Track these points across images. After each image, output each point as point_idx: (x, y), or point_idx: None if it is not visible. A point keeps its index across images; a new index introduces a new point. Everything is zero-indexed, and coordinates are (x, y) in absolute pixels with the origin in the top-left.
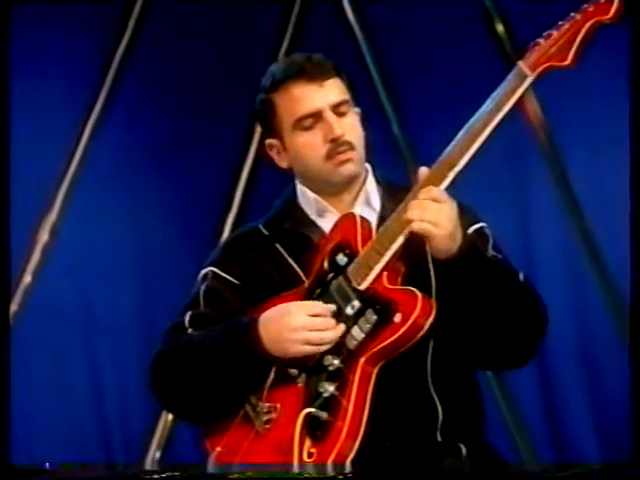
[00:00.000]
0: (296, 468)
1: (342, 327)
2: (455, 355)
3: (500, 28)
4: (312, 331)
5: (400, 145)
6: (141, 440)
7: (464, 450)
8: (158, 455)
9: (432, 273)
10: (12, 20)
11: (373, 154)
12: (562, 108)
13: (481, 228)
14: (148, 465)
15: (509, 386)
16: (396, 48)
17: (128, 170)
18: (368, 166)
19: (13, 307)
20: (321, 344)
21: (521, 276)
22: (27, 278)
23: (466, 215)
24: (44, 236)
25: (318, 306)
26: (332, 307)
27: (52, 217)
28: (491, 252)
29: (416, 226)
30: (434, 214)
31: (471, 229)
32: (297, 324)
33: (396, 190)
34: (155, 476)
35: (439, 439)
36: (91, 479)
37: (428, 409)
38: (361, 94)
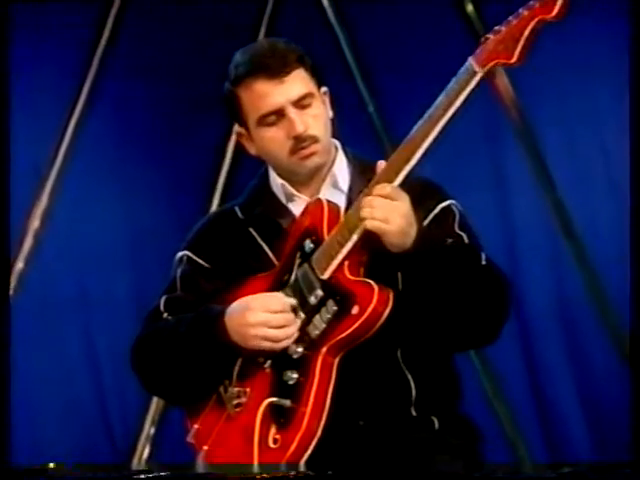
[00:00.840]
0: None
1: (298, 323)
2: (423, 336)
3: (470, 8)
4: (270, 328)
5: (376, 126)
6: (137, 417)
7: (436, 423)
8: (153, 431)
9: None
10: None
11: (352, 136)
12: (534, 85)
13: (449, 206)
14: (135, 465)
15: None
16: (369, 30)
17: (116, 156)
18: (338, 144)
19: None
20: (278, 340)
21: (483, 258)
22: (20, 264)
23: (433, 193)
24: (35, 223)
25: (277, 302)
26: (292, 301)
27: (43, 204)
28: (457, 231)
29: (368, 224)
30: (385, 212)
31: (438, 207)
32: (255, 320)
33: (367, 169)
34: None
35: (414, 414)
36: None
37: (401, 385)
38: (336, 76)
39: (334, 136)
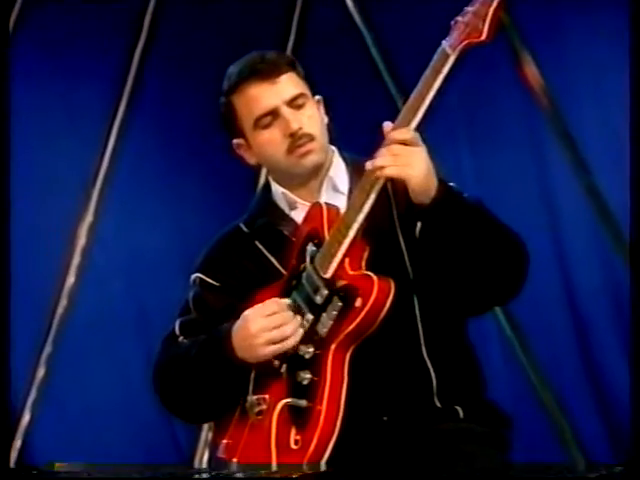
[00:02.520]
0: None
1: (299, 318)
2: (444, 311)
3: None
4: (271, 330)
5: None
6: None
7: (461, 412)
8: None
9: (402, 241)
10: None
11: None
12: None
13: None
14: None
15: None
16: (395, 27)
17: (159, 166)
18: (334, 149)
19: (60, 309)
20: (284, 339)
21: (498, 220)
22: (70, 280)
23: None
24: (82, 239)
25: (272, 305)
26: (287, 300)
27: (88, 219)
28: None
29: (388, 171)
30: (405, 156)
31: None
32: (256, 328)
33: (363, 170)
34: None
35: (438, 405)
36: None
37: (422, 377)
38: (363, 73)
39: (331, 142)
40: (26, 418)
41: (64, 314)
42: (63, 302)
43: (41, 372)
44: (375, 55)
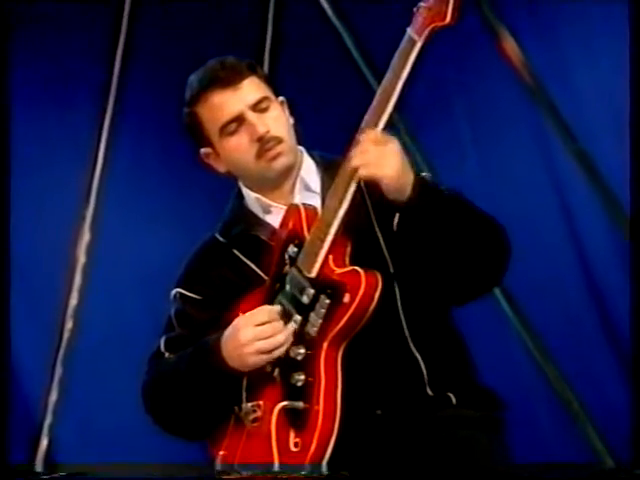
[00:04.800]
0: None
1: (291, 326)
2: (426, 302)
3: None
4: (260, 340)
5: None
6: None
7: (454, 398)
8: None
9: (379, 235)
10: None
11: None
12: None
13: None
14: None
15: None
16: (371, 21)
17: (151, 180)
18: (302, 149)
19: (68, 325)
20: (274, 349)
21: (477, 209)
22: (73, 301)
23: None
24: (82, 258)
25: (263, 314)
26: (277, 308)
27: (85, 238)
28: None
29: (362, 171)
30: (377, 156)
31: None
32: (246, 338)
33: (334, 166)
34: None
35: (430, 394)
36: None
37: (412, 367)
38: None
39: (299, 143)
40: (48, 419)
41: (76, 315)
42: (73, 301)
43: (59, 371)
44: (353, 51)
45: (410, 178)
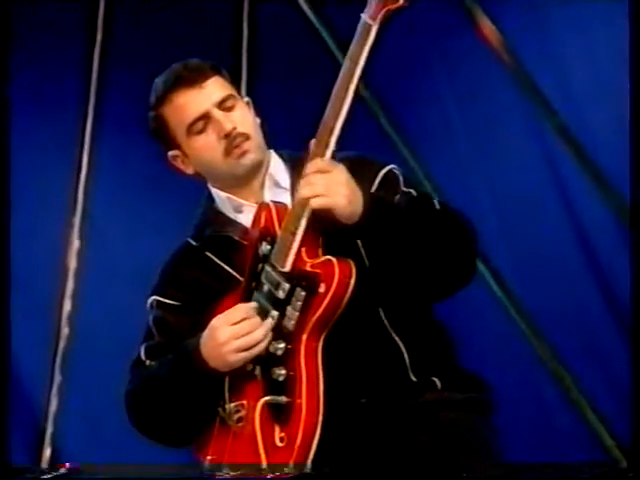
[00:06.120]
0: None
1: (269, 322)
2: (402, 294)
3: None
4: (240, 337)
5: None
6: None
7: (438, 383)
8: None
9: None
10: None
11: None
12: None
13: (390, 170)
14: None
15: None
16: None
17: (138, 177)
18: (270, 150)
19: (65, 331)
20: (254, 345)
21: (436, 204)
22: (67, 307)
23: (370, 164)
24: (72, 263)
25: (239, 312)
26: (253, 305)
27: (75, 244)
28: (404, 189)
29: (313, 203)
30: (324, 186)
31: (379, 175)
32: (224, 337)
33: (301, 163)
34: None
35: (414, 379)
36: None
37: (393, 353)
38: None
39: (267, 143)
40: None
41: (71, 320)
42: (67, 308)
43: (58, 379)
44: (333, 48)
45: (359, 201)
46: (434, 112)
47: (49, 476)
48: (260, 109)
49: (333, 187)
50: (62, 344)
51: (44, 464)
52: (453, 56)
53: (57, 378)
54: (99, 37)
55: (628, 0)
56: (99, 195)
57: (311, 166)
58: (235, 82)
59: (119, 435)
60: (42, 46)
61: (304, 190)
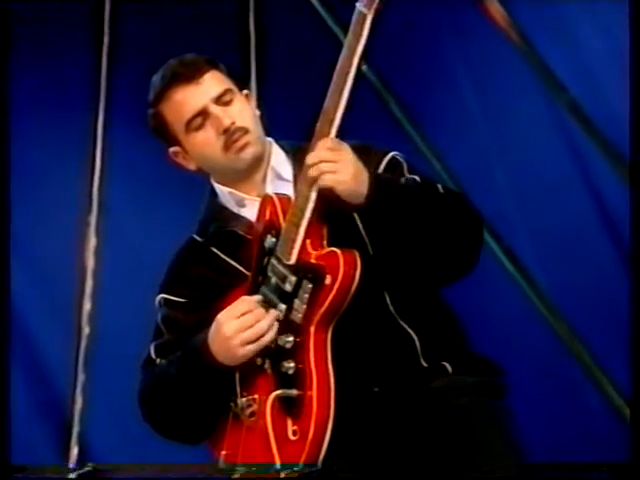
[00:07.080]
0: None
1: (273, 312)
2: (408, 280)
3: None
4: (246, 330)
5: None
6: None
7: (449, 367)
8: None
9: (355, 216)
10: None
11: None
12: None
13: (393, 157)
14: None
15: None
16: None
17: (153, 172)
18: (271, 140)
19: (86, 331)
20: (260, 337)
21: (440, 188)
22: (87, 306)
23: (375, 151)
24: (90, 262)
25: (243, 305)
26: (257, 297)
27: (92, 242)
28: (408, 176)
29: (320, 182)
30: (331, 163)
31: (384, 161)
32: (230, 331)
33: (304, 152)
34: None
35: (425, 365)
36: None
37: (404, 341)
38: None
39: (266, 134)
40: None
41: (92, 319)
42: (87, 306)
43: (82, 377)
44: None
45: (366, 181)
46: (449, 100)
47: (75, 475)
48: (269, 102)
49: (339, 165)
50: (84, 343)
51: (71, 463)
52: (465, 39)
53: (80, 377)
54: (106, 29)
55: None
56: (115, 192)
57: (318, 145)
58: (245, 76)
59: (144, 432)
60: (51, 46)
61: (312, 170)
